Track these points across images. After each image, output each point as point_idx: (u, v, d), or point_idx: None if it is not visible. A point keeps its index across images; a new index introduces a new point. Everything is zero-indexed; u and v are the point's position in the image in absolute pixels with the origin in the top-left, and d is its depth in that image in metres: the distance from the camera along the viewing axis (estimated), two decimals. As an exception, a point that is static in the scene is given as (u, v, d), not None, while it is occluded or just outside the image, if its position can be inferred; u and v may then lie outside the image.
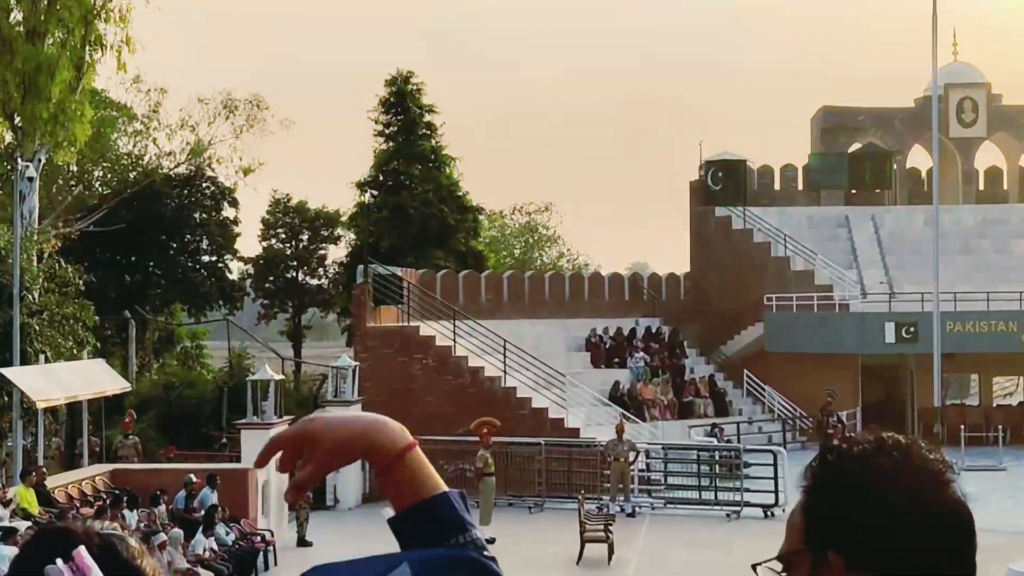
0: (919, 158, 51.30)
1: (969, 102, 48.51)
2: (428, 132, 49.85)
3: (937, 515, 1.98)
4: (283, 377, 30.88)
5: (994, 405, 44.19)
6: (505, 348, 36.38)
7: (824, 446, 2.12)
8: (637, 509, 29.93)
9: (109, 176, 51.11)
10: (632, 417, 37.21)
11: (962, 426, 37.53)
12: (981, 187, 50.72)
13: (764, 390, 43.29)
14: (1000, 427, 37.62)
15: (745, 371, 43.89)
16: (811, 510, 2.05)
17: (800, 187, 49.37)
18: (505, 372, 36.15)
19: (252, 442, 26.46)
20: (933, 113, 32.99)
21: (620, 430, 30.15)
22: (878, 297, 43.43)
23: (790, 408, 42.95)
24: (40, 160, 35.80)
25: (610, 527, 24.40)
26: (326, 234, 55.91)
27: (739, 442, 36.71)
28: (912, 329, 40.82)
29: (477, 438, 28.57)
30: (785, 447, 37.84)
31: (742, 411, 42.60)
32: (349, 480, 32.24)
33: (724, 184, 47.68)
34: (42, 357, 30.89)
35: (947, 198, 49.24)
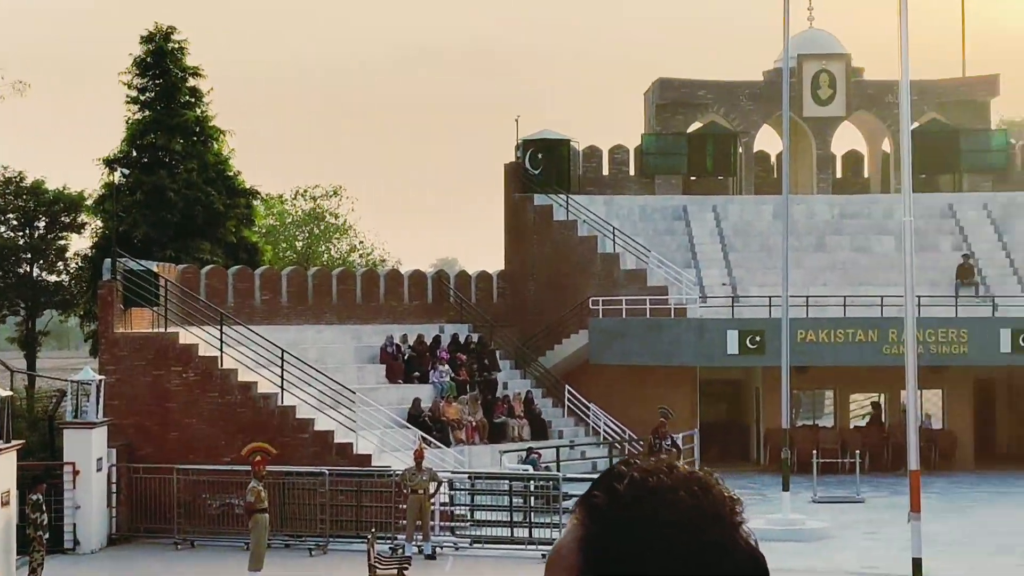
0: (768, 140, 52.51)
1: (826, 76, 49.85)
2: (192, 100, 49.16)
3: (729, 559, 2.01)
4: (11, 393, 30.09)
5: (851, 427, 45.47)
6: (283, 360, 36.05)
7: (611, 472, 2.13)
8: (438, 550, 29.98)
9: None
10: (434, 441, 37.28)
11: (814, 451, 38.57)
12: (839, 174, 52.19)
13: (588, 409, 43.82)
14: (858, 452, 38.72)
15: (567, 387, 44.36)
16: (591, 546, 2.06)
17: (632, 172, 50.14)
18: (282, 388, 35.82)
19: (-31, 474, 25.69)
20: (784, 88, 33.71)
21: (419, 457, 30.17)
22: (720, 301, 44.37)
23: (618, 430, 43.53)
24: None
25: (405, 571, 24.36)
26: (67, 221, 54.73)
27: (558, 470, 37.07)
28: (758, 338, 41.79)
29: (248, 467, 28.27)
30: (612, 476, 38.38)
31: (563, 433, 43.04)
32: (91, 517, 31.57)
33: (544, 168, 48.15)
34: None
35: (800, 187, 50.58)
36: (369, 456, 34.58)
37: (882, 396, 46.10)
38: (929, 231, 47.79)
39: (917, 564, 20.81)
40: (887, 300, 41.90)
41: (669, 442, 34.47)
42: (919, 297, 40.61)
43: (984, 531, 31.44)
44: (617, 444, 42.99)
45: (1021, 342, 41.95)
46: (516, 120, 48.91)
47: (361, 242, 68.20)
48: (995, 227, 48.17)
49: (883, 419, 45.71)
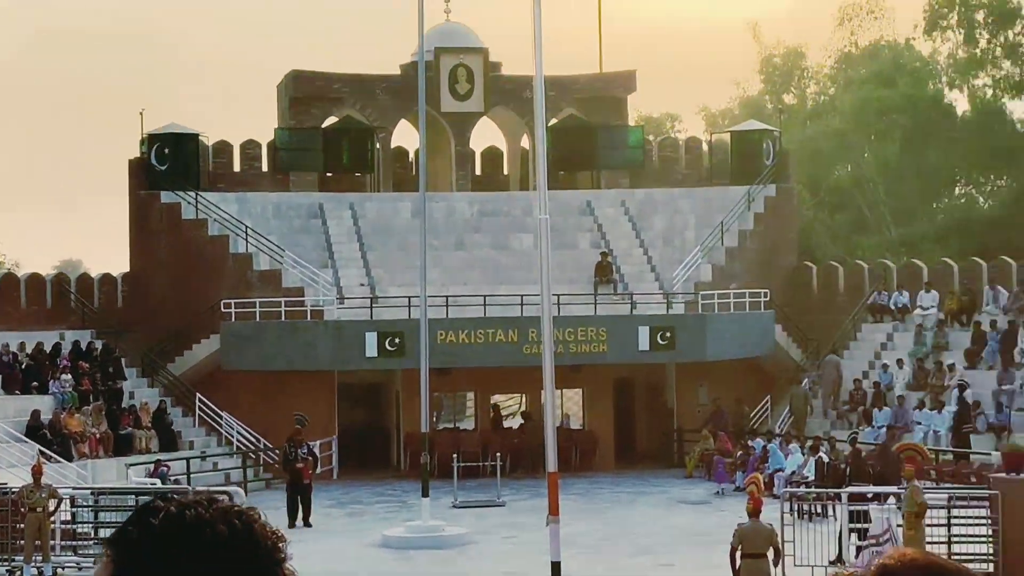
0: (407, 136, 52.87)
1: (463, 70, 50.45)
2: None
3: None
4: None
5: (492, 429, 46.13)
6: None
7: (146, 507, 2.02)
8: (59, 571, 29.08)
9: None
10: (54, 455, 36.19)
11: (455, 454, 38.99)
12: (478, 171, 52.94)
13: (221, 417, 43.27)
14: (499, 455, 39.33)
15: (198, 395, 43.71)
16: None
17: (265, 169, 49.73)
18: None
19: None
20: (420, 83, 33.98)
21: (37, 473, 29.17)
22: (358, 302, 44.42)
23: (253, 439, 43.15)
24: None
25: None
26: None
27: (189, 482, 36.49)
28: (397, 340, 42.02)
29: None
30: (245, 487, 38.03)
31: (193, 444, 42.41)
32: None
33: (171, 164, 47.30)
34: None
35: (439, 184, 51.09)
36: (-18, 474, 33.31)
37: (523, 397, 46.94)
38: (568, 228, 48.89)
39: (556, 568, 21.16)
40: (527, 299, 42.64)
41: (305, 450, 34.30)
42: (557, 296, 41.62)
43: (623, 532, 32.33)
44: (251, 454, 42.60)
45: (659, 340, 43.37)
46: (141, 113, 47.65)
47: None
48: (633, 224, 49.64)
49: (523, 420, 46.47)
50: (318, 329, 43.15)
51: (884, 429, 41.47)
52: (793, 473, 36.75)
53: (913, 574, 2.05)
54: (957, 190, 73.54)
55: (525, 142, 52.60)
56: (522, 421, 46.53)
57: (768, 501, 29.49)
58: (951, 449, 38.73)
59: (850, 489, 28.71)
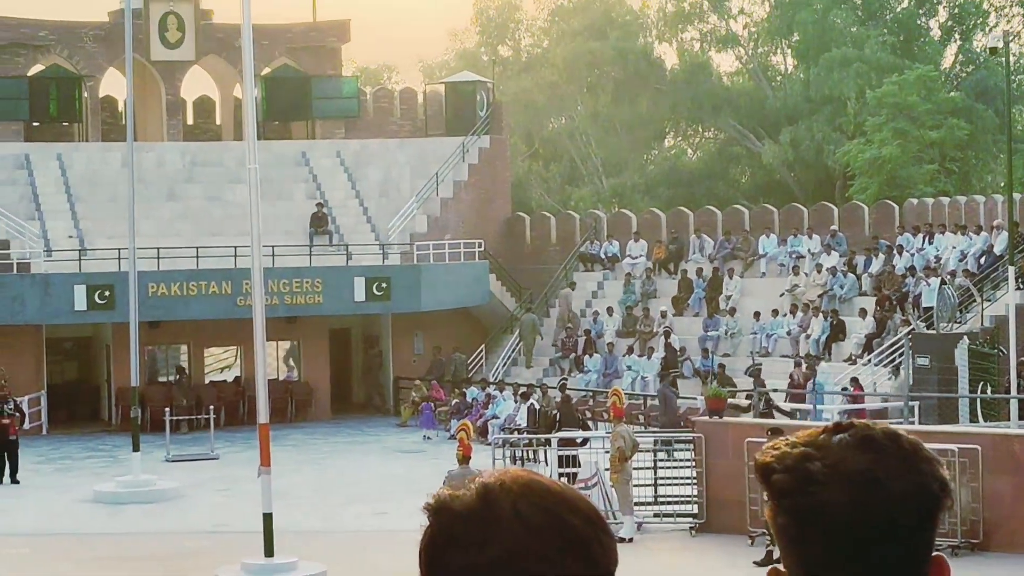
0: (116, 85, 51.71)
1: (174, 18, 49.55)
2: None
3: None
4: None
5: (207, 382, 45.71)
6: None
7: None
8: None
9: None
10: None
11: (167, 408, 38.50)
12: (190, 121, 52.16)
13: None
14: (212, 408, 38.93)
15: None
16: None
17: (-32, 118, 48.15)
18: None
19: None
20: (127, 30, 33.27)
21: None
22: (67, 255, 43.42)
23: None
24: None
25: None
26: None
27: None
28: (107, 294, 41.22)
29: None
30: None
31: None
32: None
33: None
34: None
35: (150, 134, 50.21)
36: None
37: (239, 350, 46.50)
38: (283, 180, 48.58)
39: (268, 519, 21.16)
40: (240, 251, 42.18)
41: (11, 406, 33.47)
42: (272, 247, 41.43)
43: (339, 482, 32.45)
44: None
45: (375, 290, 43.49)
46: None
47: None
48: (348, 175, 49.57)
49: (240, 372, 46.10)
50: (24, 282, 42.03)
51: (595, 375, 42.45)
52: (506, 420, 37.33)
53: (513, 488, 2.16)
54: (667, 142, 75.38)
55: (238, 91, 51.95)
56: (236, 375, 46.14)
57: (483, 448, 30.02)
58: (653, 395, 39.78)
59: (560, 434, 29.34)
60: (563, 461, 27.53)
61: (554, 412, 32.37)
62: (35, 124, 49.37)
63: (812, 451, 2.24)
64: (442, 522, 2.18)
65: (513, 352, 46.33)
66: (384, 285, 43.66)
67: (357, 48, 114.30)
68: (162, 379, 45.44)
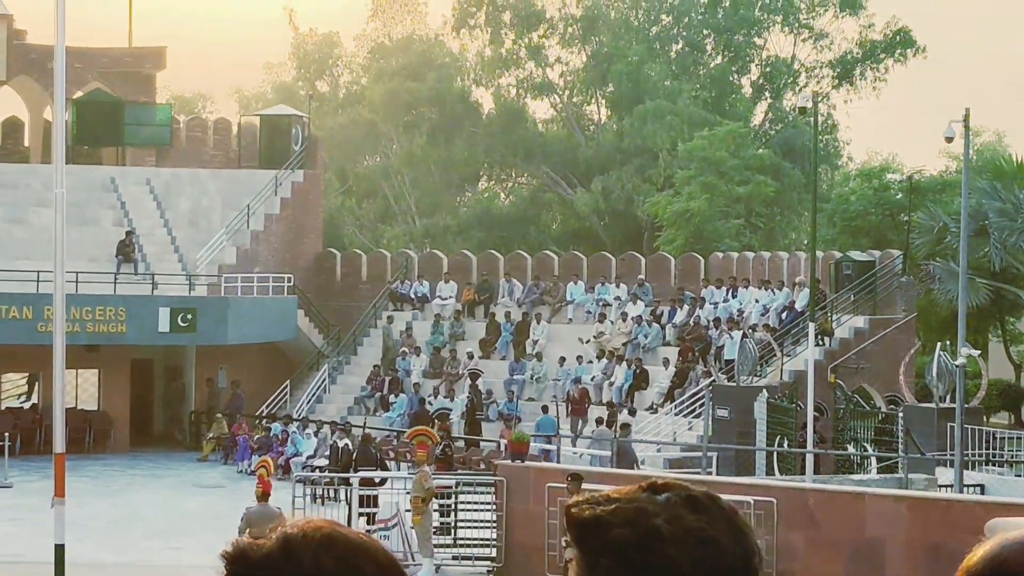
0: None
1: (-14, 37, 48.62)
2: None
3: None
4: None
5: (2, 408, 44.68)
6: None
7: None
8: None
9: None
10: None
11: (-40, 434, 37.51)
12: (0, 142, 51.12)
13: None
14: (8, 435, 38.04)
15: None
16: None
17: None
18: None
19: None
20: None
21: None
22: None
23: None
24: None
25: None
26: None
27: None
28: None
29: None
30: None
31: None
32: None
33: None
34: None
35: (-45, 153, 49.07)
36: None
37: (38, 375, 45.53)
38: (91, 204, 47.78)
39: (60, 550, 20.69)
40: (43, 275, 41.33)
41: None
42: (77, 273, 40.67)
43: (135, 514, 31.91)
44: None
45: (180, 321, 42.92)
46: None
47: None
48: (157, 203, 48.88)
49: (37, 400, 45.16)
50: None
51: (400, 416, 42.38)
52: (309, 457, 37.07)
53: (315, 538, 2.17)
54: (480, 185, 75.81)
55: (48, 114, 51.05)
56: (33, 401, 45.17)
57: (283, 485, 29.75)
58: (463, 436, 39.87)
59: (361, 474, 29.20)
60: (363, 501, 27.40)
61: (353, 451, 32.19)
62: None
63: (649, 507, 2.28)
64: (239, 572, 2.17)
65: (318, 389, 46.06)
66: (190, 316, 43.11)
67: (172, 75, 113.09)
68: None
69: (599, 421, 37.46)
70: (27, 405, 45.16)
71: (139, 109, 50.53)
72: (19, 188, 48.30)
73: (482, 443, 38.83)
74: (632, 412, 38.22)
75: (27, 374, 45.57)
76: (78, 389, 45.47)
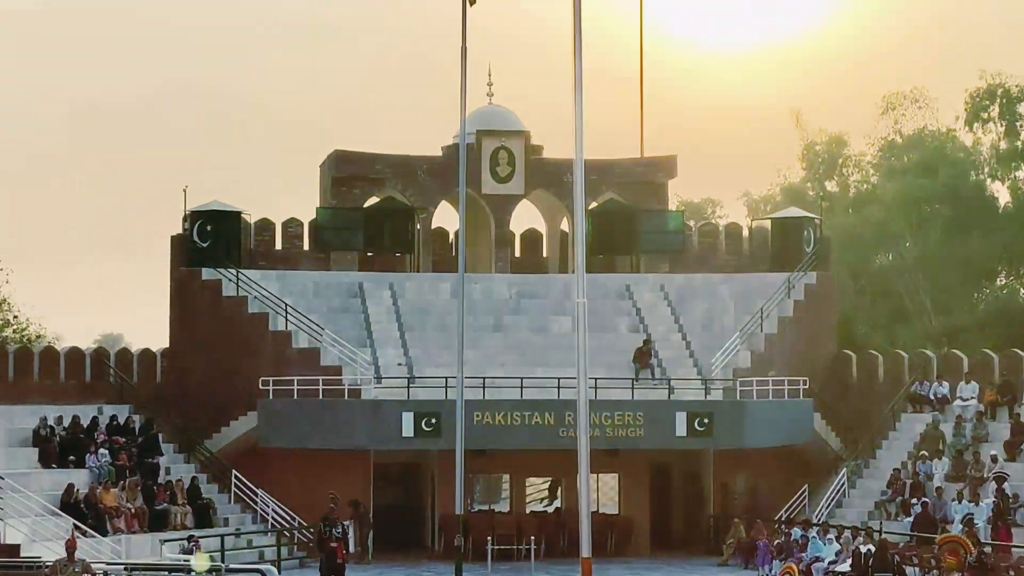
0: (447, 217, 53.05)
1: (505, 153, 50.72)
2: None
3: None
4: None
5: (527, 512, 45.98)
6: (-77, 442, 34.65)
7: None
8: (90, 647, 29.02)
9: None
10: (89, 530, 36.25)
11: (490, 537, 38.84)
12: (517, 253, 53.04)
13: (256, 495, 43.29)
14: (533, 538, 39.16)
15: (234, 472, 43.76)
16: None
17: (306, 247, 50.00)
18: (-78, 474, 34.39)
19: None
20: (460, 165, 34.13)
21: (72, 547, 29.19)
22: (396, 382, 44.40)
23: (288, 516, 43.13)
24: None
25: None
26: None
27: (222, 559, 36.47)
28: (434, 420, 41.99)
29: None
30: (279, 565, 38.04)
31: (228, 521, 42.38)
32: None
33: (213, 240, 47.59)
34: None
35: (479, 265, 51.26)
36: (18, 546, 33.38)
37: (560, 480, 46.68)
38: (606, 312, 48.91)
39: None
40: (564, 382, 42.57)
41: (339, 530, 34.16)
42: (595, 379, 41.60)
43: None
44: (286, 532, 42.56)
45: (697, 426, 43.20)
46: (184, 190, 48.04)
47: (15, 316, 66.07)
48: (671, 309, 49.59)
49: (560, 503, 46.28)
50: (355, 408, 43.14)
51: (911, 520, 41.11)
52: (831, 563, 36.45)
53: None
54: (998, 280, 73.31)
55: (565, 225, 52.74)
56: (556, 505, 46.31)
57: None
58: (990, 542, 38.32)
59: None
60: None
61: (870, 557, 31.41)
62: (369, 254, 50.92)
63: None
64: None
65: (837, 493, 45.32)
66: (706, 421, 43.33)
67: (682, 182, 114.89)
68: (482, 507, 45.82)
69: None
70: (550, 509, 46.29)
71: (652, 217, 51.53)
72: (538, 297, 49.96)
73: (1013, 549, 37.20)
74: None
75: (549, 479, 46.72)
76: (599, 493, 46.35)
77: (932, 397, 47.30)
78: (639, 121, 55.23)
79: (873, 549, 32.90)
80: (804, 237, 51.05)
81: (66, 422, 42.38)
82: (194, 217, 47.88)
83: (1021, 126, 65.41)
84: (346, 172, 50.31)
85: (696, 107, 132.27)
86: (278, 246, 49.88)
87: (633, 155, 53.55)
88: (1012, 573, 32.60)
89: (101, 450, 41.73)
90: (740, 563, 41.90)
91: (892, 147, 73.21)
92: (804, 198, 70.42)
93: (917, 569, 34.04)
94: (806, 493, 45.81)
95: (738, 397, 45.32)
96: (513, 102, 58.20)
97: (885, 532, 37.69)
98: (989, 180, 69.24)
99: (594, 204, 51.34)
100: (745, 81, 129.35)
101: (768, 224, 53.47)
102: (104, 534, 37.56)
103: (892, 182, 69.14)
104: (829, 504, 44.78)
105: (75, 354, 46.06)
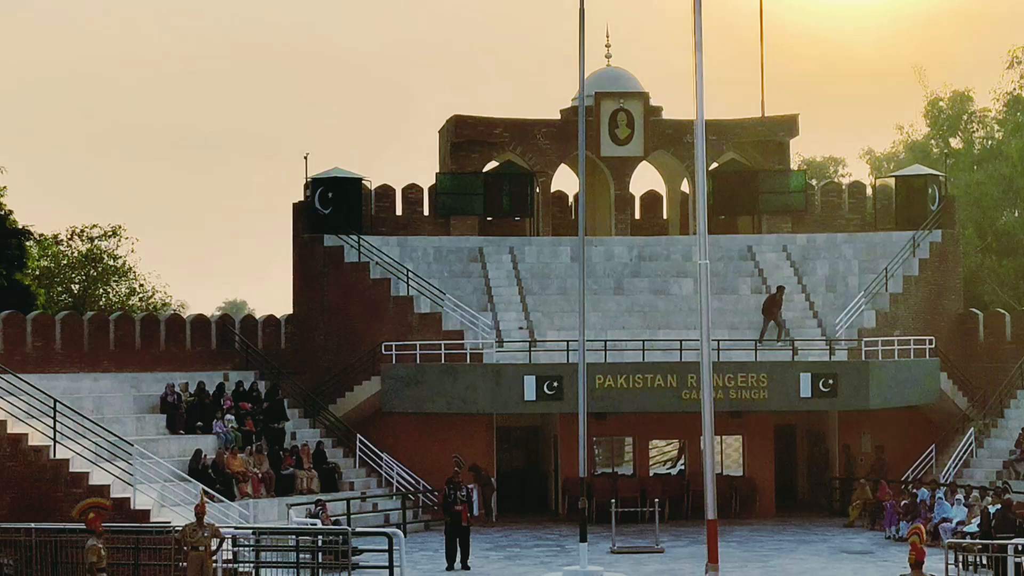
0: (566, 180, 53.10)
1: (624, 115, 50.53)
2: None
3: None
4: None
5: (651, 475, 45.96)
6: (55, 410, 35.28)
7: None
8: (221, 610, 29.48)
9: None
10: (217, 495, 36.76)
11: (613, 500, 38.87)
12: (637, 215, 52.89)
13: (381, 459, 43.67)
14: (657, 501, 39.13)
15: (359, 436, 44.16)
16: None
17: (426, 213, 50.23)
18: (55, 441, 35.03)
19: None
20: (580, 127, 34.04)
21: (201, 511, 29.68)
22: (517, 345, 44.56)
23: (412, 480, 43.47)
24: None
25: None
26: None
27: (348, 523, 36.81)
28: (556, 384, 42.06)
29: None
30: (404, 528, 38.35)
31: (354, 485, 42.80)
32: None
33: (335, 207, 47.96)
34: None
35: (598, 228, 51.20)
36: (148, 511, 33.94)
37: (684, 443, 46.60)
38: (728, 273, 48.68)
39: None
40: (686, 344, 42.49)
41: (464, 493, 34.44)
42: (718, 341, 41.43)
43: (785, 580, 31.98)
44: (411, 495, 42.90)
45: (821, 387, 42.87)
46: (305, 157, 48.44)
47: (141, 285, 67.06)
48: (795, 269, 49.24)
49: (684, 466, 46.22)
50: (477, 372, 43.32)
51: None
52: (959, 523, 36.07)
53: None
54: None
55: (685, 186, 52.51)
56: (680, 467, 46.27)
57: (932, 552, 29.04)
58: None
59: (1017, 540, 28.08)
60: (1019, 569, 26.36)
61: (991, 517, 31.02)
62: (489, 219, 51.05)
63: None
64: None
65: (964, 453, 44.81)
66: (831, 381, 42.99)
67: (804, 141, 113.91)
68: (605, 470, 45.89)
69: None
70: (675, 471, 46.25)
71: (773, 177, 51.15)
72: (659, 260, 49.81)
73: None
74: None
75: (674, 440, 46.65)
76: (723, 455, 46.22)
77: (1062, 356, 46.57)
78: (759, 80, 54.72)
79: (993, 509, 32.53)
80: (929, 195, 50.41)
81: (192, 389, 42.96)
82: (315, 184, 48.29)
83: None
84: (465, 137, 50.41)
85: (817, 65, 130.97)
86: (398, 212, 50.17)
87: (754, 115, 53.12)
88: None
89: (227, 416, 42.27)
90: (867, 524, 41.60)
91: (1018, 102, 71.95)
92: (928, 155, 69.49)
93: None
94: (933, 453, 45.34)
95: (863, 357, 44.90)
96: (631, 63, 58.13)
97: (1014, 492, 37.19)
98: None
99: (715, 165, 51.05)
100: (866, 38, 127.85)
101: (892, 182, 52.83)
102: (232, 499, 38.06)
103: (1018, 138, 67.97)
104: (956, 464, 44.28)
105: (201, 321, 46.66)
